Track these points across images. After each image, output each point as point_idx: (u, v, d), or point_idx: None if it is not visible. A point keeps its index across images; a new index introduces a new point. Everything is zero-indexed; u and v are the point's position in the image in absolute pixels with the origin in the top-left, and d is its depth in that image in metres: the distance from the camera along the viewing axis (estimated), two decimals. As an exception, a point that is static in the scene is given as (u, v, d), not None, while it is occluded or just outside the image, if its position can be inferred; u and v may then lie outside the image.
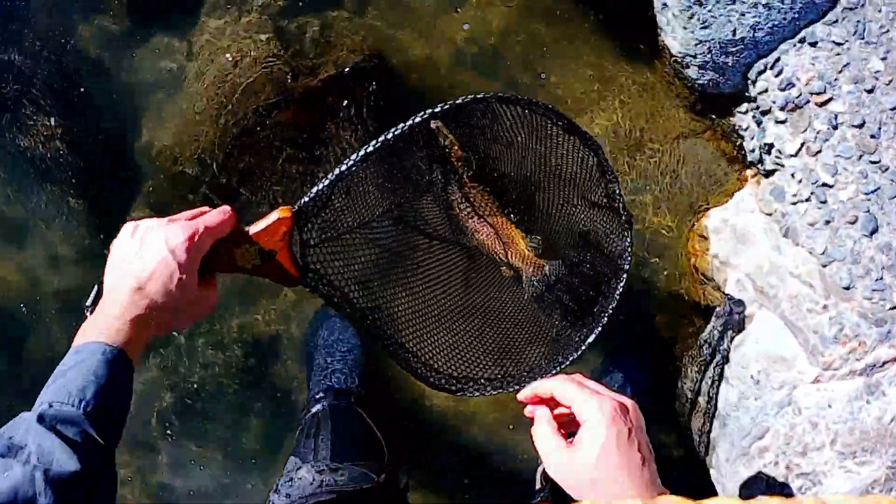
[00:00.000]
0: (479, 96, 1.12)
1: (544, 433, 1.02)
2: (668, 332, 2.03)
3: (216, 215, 1.05)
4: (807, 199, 1.75)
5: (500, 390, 1.23)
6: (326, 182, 1.06)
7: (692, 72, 1.89)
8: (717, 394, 1.87)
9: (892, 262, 1.65)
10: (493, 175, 1.35)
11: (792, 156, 1.77)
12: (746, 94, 1.86)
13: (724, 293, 1.89)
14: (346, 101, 2.00)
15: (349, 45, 2.04)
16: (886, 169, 1.67)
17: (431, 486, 2.13)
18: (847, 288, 1.67)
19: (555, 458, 0.98)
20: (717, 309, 1.89)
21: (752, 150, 1.87)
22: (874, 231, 1.67)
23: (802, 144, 1.76)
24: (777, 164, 1.81)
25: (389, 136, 1.07)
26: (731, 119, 1.93)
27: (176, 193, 2.09)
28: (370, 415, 1.89)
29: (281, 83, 2.00)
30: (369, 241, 1.27)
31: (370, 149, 1.06)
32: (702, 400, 1.93)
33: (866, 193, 1.68)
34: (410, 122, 1.09)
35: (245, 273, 1.10)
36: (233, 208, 1.07)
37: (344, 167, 1.06)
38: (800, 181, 1.76)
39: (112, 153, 2.15)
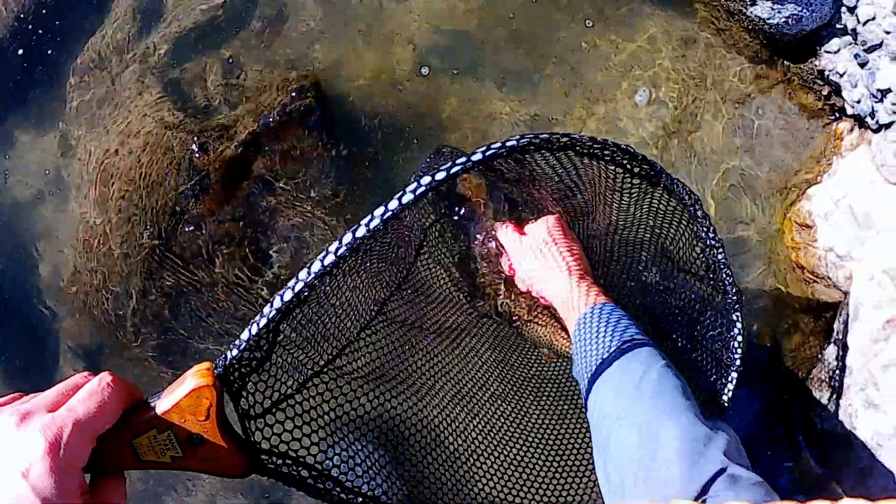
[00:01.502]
0: (495, 150, 0.76)
1: (507, 230, 1.26)
2: (774, 353, 1.56)
3: (90, 397, 0.68)
4: (954, 158, 1.28)
5: None
6: (265, 319, 0.70)
7: (761, 9, 1.37)
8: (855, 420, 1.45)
9: None
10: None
11: (926, 101, 1.29)
12: (839, 26, 1.35)
13: (844, 293, 1.43)
14: (282, 161, 1.41)
15: (270, 82, 1.42)
16: None
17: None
18: None
19: (513, 240, 1.24)
20: (839, 317, 1.45)
21: (857, 100, 1.38)
22: None
23: (938, 85, 1.27)
24: (899, 114, 1.32)
25: (368, 227, 0.69)
26: (815, 63, 1.42)
27: (102, 333, 1.51)
28: None
29: (188, 164, 1.39)
30: (354, 371, 0.98)
31: (339, 252, 0.69)
32: (826, 425, 1.52)
33: None
34: (395, 204, 0.70)
35: (162, 469, 0.71)
36: (115, 378, 0.69)
37: (290, 292, 0.69)
38: (941, 135, 1.28)
39: (10, 300, 1.56)
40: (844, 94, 1.40)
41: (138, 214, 1.44)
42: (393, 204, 0.69)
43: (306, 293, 0.69)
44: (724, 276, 0.97)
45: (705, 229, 0.95)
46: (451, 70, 1.51)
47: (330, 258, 0.68)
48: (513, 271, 1.26)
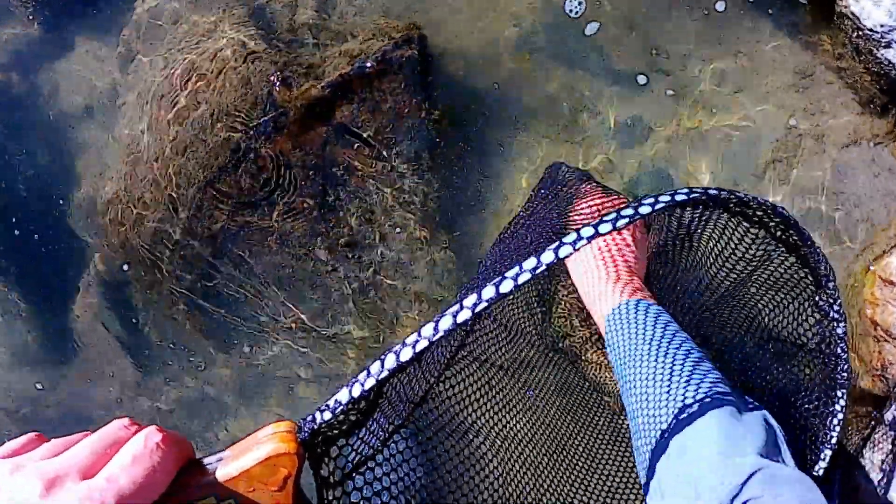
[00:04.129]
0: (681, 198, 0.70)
1: None
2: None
3: (139, 461, 0.52)
4: None
5: None
6: (372, 379, 0.58)
7: (893, 54, 1.31)
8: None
9: None
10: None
11: None
12: (969, 85, 1.31)
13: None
14: (369, 114, 1.30)
15: (367, 26, 1.31)
16: None
17: None
18: None
19: None
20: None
21: (971, 165, 1.34)
22: None
23: None
24: None
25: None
26: (931, 118, 1.38)
27: (132, 265, 1.36)
28: None
29: (267, 96, 1.27)
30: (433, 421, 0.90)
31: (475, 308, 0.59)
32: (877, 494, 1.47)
33: None
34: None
35: None
36: (167, 436, 0.53)
37: (410, 350, 0.57)
38: None
39: (41, 217, 1.42)
40: (958, 154, 1.37)
41: (197, 145, 1.31)
42: (531, 264, 0.60)
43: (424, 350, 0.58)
44: (840, 350, 0.91)
45: (831, 301, 0.89)
46: (556, 57, 1.43)
47: (465, 314, 0.58)
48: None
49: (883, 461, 1.44)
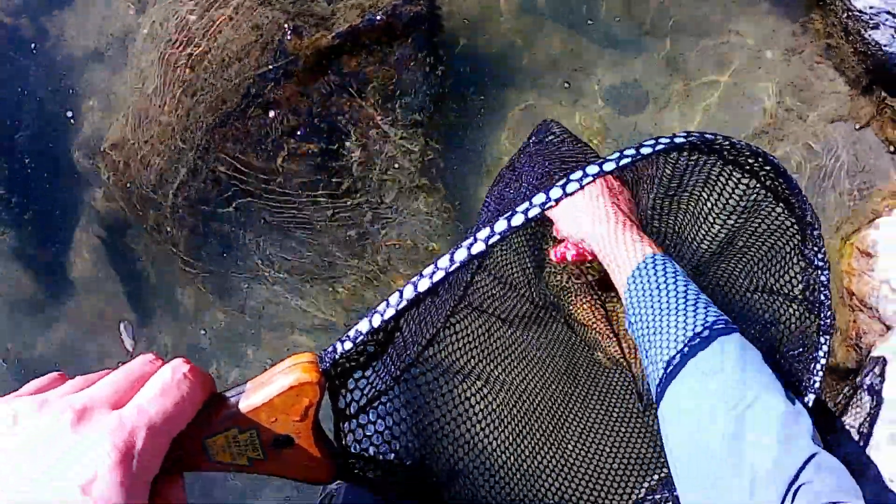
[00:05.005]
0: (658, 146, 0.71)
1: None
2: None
3: (168, 392, 0.53)
4: None
5: None
6: (392, 309, 0.59)
7: (880, 35, 1.37)
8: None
9: None
10: None
11: None
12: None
13: (887, 327, 1.45)
14: (376, 66, 1.34)
15: None
16: None
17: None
18: None
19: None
20: (878, 346, 1.46)
21: (948, 146, 1.40)
22: None
23: None
24: None
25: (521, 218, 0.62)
26: (914, 99, 1.44)
27: (133, 207, 1.40)
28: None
29: (277, 44, 1.31)
30: (440, 362, 0.94)
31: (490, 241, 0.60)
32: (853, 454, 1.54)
33: None
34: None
35: (232, 471, 0.59)
36: (193, 368, 0.55)
37: (427, 281, 0.59)
38: None
39: (45, 155, 1.43)
40: (937, 135, 1.43)
41: (206, 88, 1.35)
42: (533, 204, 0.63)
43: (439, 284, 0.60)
44: (823, 297, 0.96)
45: (816, 249, 0.93)
46: (558, 19, 1.49)
47: (479, 247, 0.59)
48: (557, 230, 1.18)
49: (860, 425, 1.51)
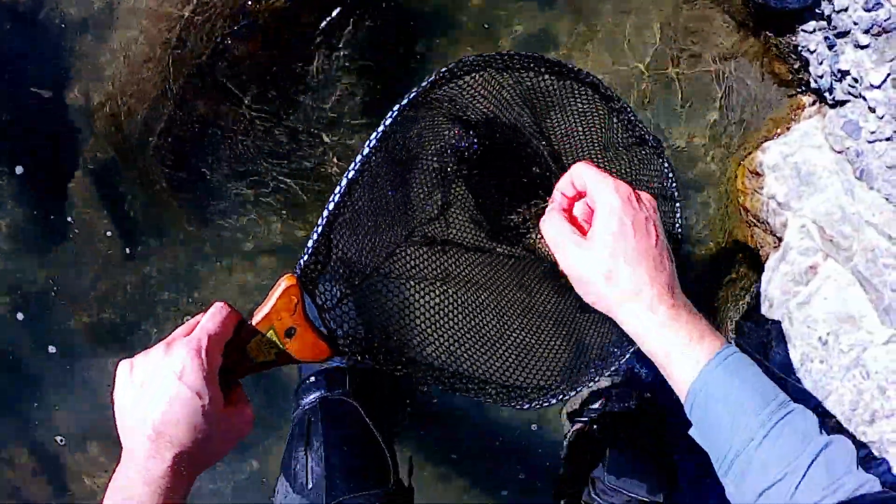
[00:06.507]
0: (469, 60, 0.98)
1: (554, 222, 0.94)
2: (712, 279, 1.81)
3: (214, 316, 0.89)
4: (887, 139, 1.52)
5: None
6: (321, 225, 0.91)
7: (756, -18, 1.58)
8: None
9: None
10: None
11: (874, 87, 1.53)
12: (818, 10, 1.58)
13: (778, 238, 1.68)
14: (325, 24, 1.58)
15: None
16: None
17: (443, 485, 1.96)
18: (935, 240, 1.50)
19: (567, 249, 0.91)
20: (772, 256, 1.69)
21: (821, 76, 1.62)
22: (970, 178, 1.48)
23: (888, 76, 1.51)
24: (851, 94, 1.57)
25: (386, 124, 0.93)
26: (792, 38, 1.66)
27: (122, 158, 1.64)
28: (370, 407, 1.64)
29: (240, 6, 1.54)
30: (400, 274, 1.10)
31: (366, 151, 0.91)
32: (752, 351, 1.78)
33: (964, 135, 1.48)
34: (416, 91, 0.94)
35: (273, 366, 0.95)
36: (225, 302, 0.92)
37: (338, 194, 0.91)
38: (881, 117, 1.52)
39: (40, 115, 1.67)
40: (811, 69, 1.64)
41: (180, 46, 1.58)
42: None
43: (354, 184, 0.91)
44: (645, 132, 1.19)
45: (610, 96, 1.14)
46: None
47: (364, 151, 0.91)
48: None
49: (759, 327, 1.75)
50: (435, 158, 1.12)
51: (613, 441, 1.62)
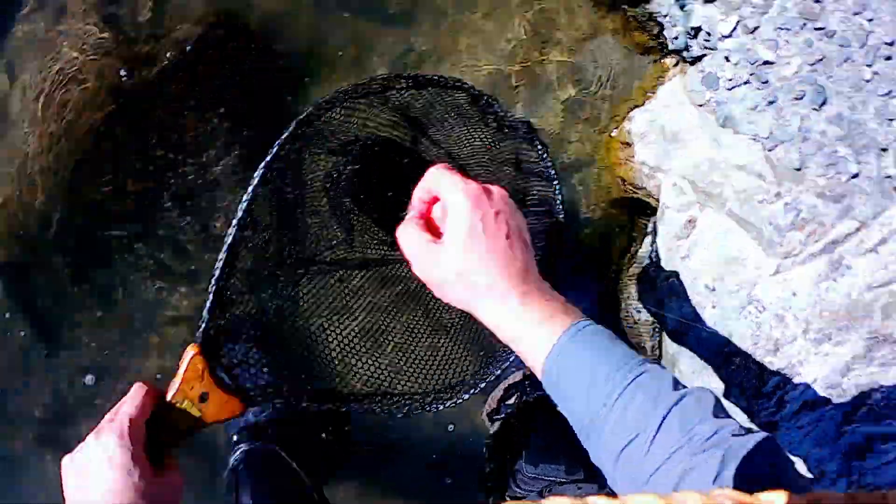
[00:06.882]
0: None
1: (408, 231, 0.95)
2: (604, 252, 1.79)
3: (133, 399, 0.98)
4: (745, 83, 1.57)
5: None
6: (211, 292, 0.98)
7: (602, -44, 1.66)
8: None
9: (844, 131, 1.49)
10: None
11: (725, 37, 1.58)
12: (665, -26, 1.65)
13: (658, 201, 1.68)
14: (196, 87, 1.69)
15: (192, 15, 1.71)
16: (833, 34, 1.50)
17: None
18: (799, 169, 1.51)
19: (420, 256, 0.93)
20: (652, 219, 1.69)
21: (676, 38, 1.67)
22: (823, 103, 1.50)
23: (738, 23, 1.57)
24: (707, 48, 1.62)
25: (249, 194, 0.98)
26: (646, 6, 1.72)
27: (27, 254, 1.73)
28: (296, 453, 1.68)
29: (116, 85, 1.66)
30: (305, 310, 1.18)
31: (240, 212, 0.98)
32: (647, 317, 1.74)
33: (812, 64, 1.51)
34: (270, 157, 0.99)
35: (196, 431, 1.02)
36: (142, 383, 1.00)
37: (221, 260, 0.98)
38: (736, 63, 1.57)
39: None
40: (666, 31, 1.69)
41: (67, 136, 1.68)
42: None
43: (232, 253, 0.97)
44: (517, 121, 1.25)
45: (494, 105, 1.21)
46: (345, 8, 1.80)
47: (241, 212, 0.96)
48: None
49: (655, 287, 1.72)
50: (326, 190, 1.17)
51: (532, 430, 1.62)
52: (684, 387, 0.82)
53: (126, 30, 1.72)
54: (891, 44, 1.51)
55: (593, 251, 1.80)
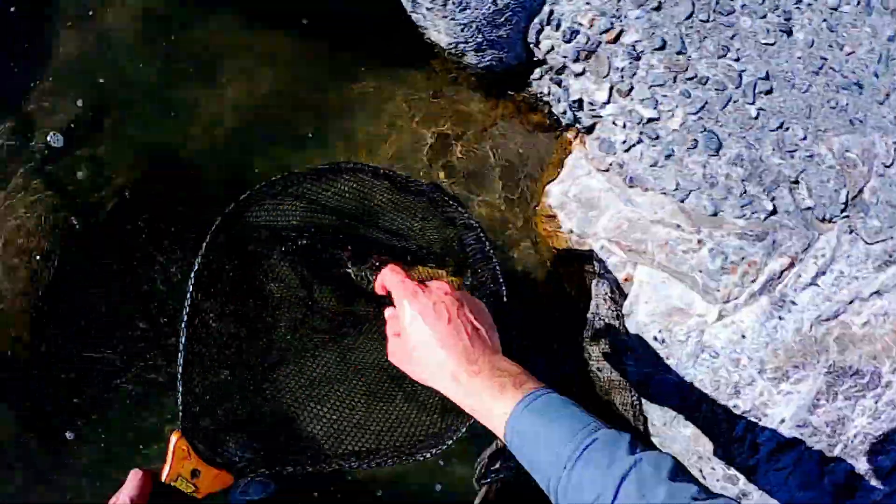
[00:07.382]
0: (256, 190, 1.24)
1: (389, 324, 1.15)
2: (559, 318, 1.86)
3: (131, 481, 1.11)
4: (638, 142, 1.64)
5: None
6: (179, 392, 1.10)
7: (471, 58, 1.74)
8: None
9: (748, 171, 1.56)
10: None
11: (605, 103, 1.65)
12: (534, 59, 1.73)
13: (593, 262, 1.75)
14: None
15: (124, 167, 1.78)
16: (706, 80, 1.58)
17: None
18: (715, 214, 1.58)
19: (390, 347, 1.12)
20: (593, 282, 1.76)
21: (564, 113, 1.74)
22: (719, 147, 1.57)
23: (611, 88, 1.64)
24: (594, 116, 1.69)
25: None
26: (530, 89, 1.80)
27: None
28: None
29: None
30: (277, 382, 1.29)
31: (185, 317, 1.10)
32: (614, 375, 1.80)
33: (695, 112, 1.58)
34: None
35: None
36: (139, 470, 1.13)
37: (181, 359, 1.10)
38: (624, 125, 1.64)
39: None
40: (554, 108, 1.76)
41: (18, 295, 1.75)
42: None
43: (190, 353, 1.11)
44: (451, 209, 1.32)
45: (407, 183, 1.29)
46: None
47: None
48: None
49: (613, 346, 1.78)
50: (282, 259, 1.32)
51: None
52: (643, 450, 0.87)
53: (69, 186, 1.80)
54: (766, 77, 1.59)
55: (547, 317, 1.87)
